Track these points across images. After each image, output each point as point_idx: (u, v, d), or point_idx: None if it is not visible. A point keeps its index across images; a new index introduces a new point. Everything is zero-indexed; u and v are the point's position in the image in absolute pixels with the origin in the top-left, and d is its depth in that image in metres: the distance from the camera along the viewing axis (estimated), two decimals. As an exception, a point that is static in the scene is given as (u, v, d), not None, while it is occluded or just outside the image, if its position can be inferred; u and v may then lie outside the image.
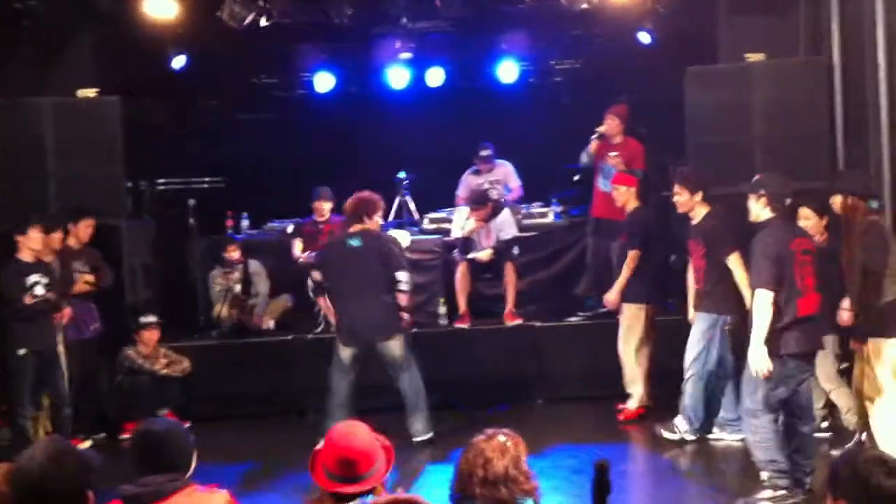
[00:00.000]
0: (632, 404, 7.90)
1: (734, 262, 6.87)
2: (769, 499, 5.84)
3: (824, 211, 6.56)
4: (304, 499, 3.48)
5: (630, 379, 7.91)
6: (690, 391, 7.19)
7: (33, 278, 7.41)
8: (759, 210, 5.99)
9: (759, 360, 5.70)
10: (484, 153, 9.72)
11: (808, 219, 6.53)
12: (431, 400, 7.60)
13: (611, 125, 8.89)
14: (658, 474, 6.96)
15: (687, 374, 7.17)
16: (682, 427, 7.25)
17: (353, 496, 3.24)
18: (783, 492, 5.84)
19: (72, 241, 8.06)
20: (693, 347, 7.14)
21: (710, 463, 7.00)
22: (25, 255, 7.45)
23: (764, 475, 5.91)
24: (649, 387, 7.89)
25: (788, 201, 6.06)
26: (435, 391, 8.41)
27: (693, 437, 7.22)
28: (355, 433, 3.36)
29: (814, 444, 6.15)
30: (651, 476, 6.99)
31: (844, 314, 6.23)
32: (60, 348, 7.67)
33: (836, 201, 6.02)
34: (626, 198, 7.97)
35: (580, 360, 8.61)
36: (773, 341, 5.70)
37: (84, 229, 8.13)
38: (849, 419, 6.75)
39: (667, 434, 7.29)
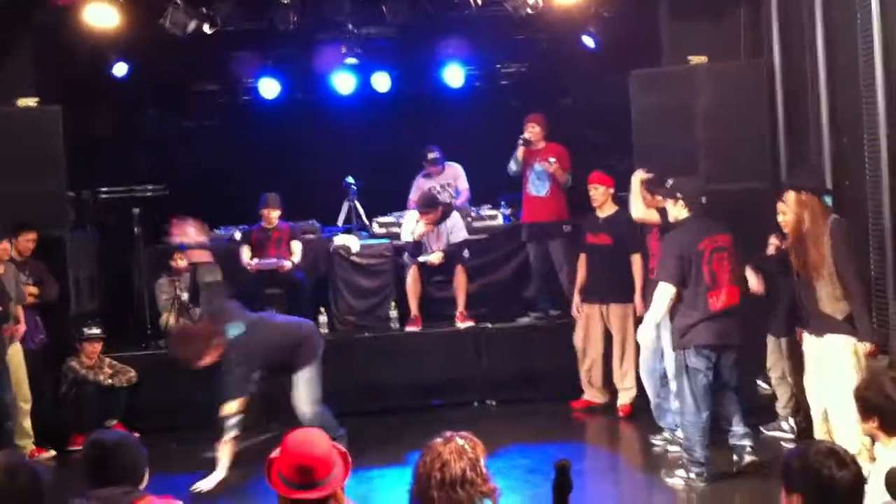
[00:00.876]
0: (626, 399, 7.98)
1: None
2: (683, 478, 6.24)
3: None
4: None
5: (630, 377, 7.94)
6: (651, 387, 7.22)
7: None
8: (676, 212, 6.43)
9: (644, 335, 6.54)
10: (431, 156, 9.75)
11: (785, 213, 6.51)
12: (385, 403, 7.58)
13: (533, 133, 8.95)
14: (616, 472, 7.03)
15: (674, 385, 6.95)
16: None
17: (314, 502, 3.19)
18: (694, 476, 6.19)
19: (13, 254, 7.90)
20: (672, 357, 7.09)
21: (665, 457, 7.01)
22: None
23: (684, 456, 6.32)
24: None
25: (704, 200, 6.43)
26: (388, 394, 8.42)
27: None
28: (312, 440, 3.31)
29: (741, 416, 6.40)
30: (609, 473, 7.03)
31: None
32: (8, 362, 7.53)
33: (790, 198, 6.06)
34: (604, 198, 8.05)
35: (532, 361, 8.65)
36: (686, 335, 6.21)
37: (24, 242, 7.99)
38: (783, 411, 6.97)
39: (658, 441, 7.18)
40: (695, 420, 6.18)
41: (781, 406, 7.08)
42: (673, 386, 6.62)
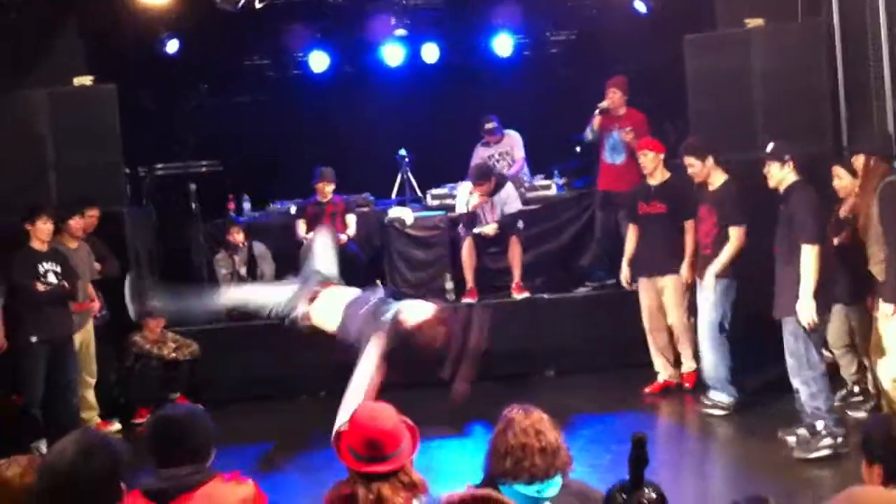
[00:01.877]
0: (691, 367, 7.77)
1: (736, 234, 6.95)
2: (829, 447, 5.97)
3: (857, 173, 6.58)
4: (335, 482, 3.45)
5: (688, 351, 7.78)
6: (715, 360, 7.09)
7: (45, 266, 7.39)
8: (783, 175, 6.15)
9: (809, 312, 5.89)
10: (489, 125, 9.71)
11: (840, 178, 6.55)
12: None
13: (613, 98, 8.84)
14: (678, 442, 7.00)
15: (705, 343, 7.11)
16: (722, 399, 7.09)
17: (384, 475, 3.22)
18: (841, 440, 5.96)
19: (78, 231, 8.02)
20: (708, 315, 7.08)
21: (728, 427, 6.98)
22: (36, 244, 7.44)
23: (820, 425, 6.02)
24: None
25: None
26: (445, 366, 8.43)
27: (732, 409, 7.07)
28: (381, 413, 3.35)
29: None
30: (672, 443, 7.01)
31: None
32: (79, 337, 7.68)
33: (858, 162, 5.97)
34: (654, 164, 7.78)
35: (588, 331, 8.63)
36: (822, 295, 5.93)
37: (89, 219, 8.09)
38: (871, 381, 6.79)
39: (711, 409, 7.12)
40: (824, 384, 6.08)
41: (849, 374, 6.92)
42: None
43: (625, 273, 8.04)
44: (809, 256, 5.91)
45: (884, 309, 5.81)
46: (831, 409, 6.10)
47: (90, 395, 7.92)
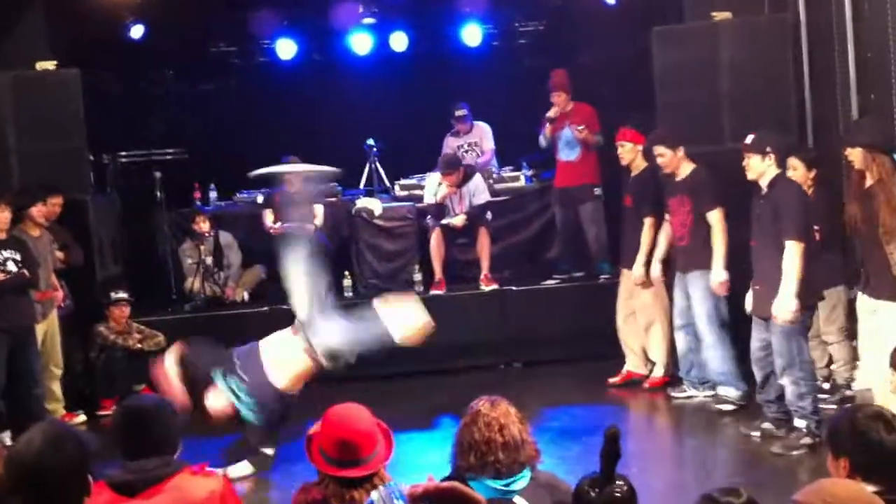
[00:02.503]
0: (658, 372, 7.73)
1: (716, 217, 6.87)
2: (808, 446, 5.96)
3: (812, 164, 6.59)
4: (303, 484, 3.35)
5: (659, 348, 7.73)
6: (722, 354, 6.97)
7: (4, 254, 7.25)
8: (764, 167, 6.00)
9: (789, 311, 5.81)
10: (459, 113, 9.70)
11: (795, 169, 6.47)
12: (410, 366, 7.57)
13: (559, 100, 8.83)
14: (645, 433, 7.05)
15: (710, 337, 6.98)
16: (731, 393, 6.97)
17: (358, 480, 3.09)
18: (818, 439, 5.89)
19: (39, 218, 7.90)
20: (701, 307, 6.97)
21: (696, 420, 7.03)
22: None
23: (801, 423, 6.00)
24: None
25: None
26: (412, 357, 8.41)
27: (746, 401, 6.88)
28: (355, 415, 3.21)
29: None
30: (641, 435, 7.04)
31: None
32: (43, 327, 7.58)
33: (856, 156, 5.73)
34: (632, 155, 7.67)
35: (556, 323, 8.64)
36: (807, 293, 5.87)
37: (52, 207, 7.97)
38: (840, 372, 6.83)
39: (722, 406, 6.97)
40: (813, 385, 6.07)
41: (818, 368, 6.82)
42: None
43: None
44: (793, 253, 5.79)
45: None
46: (816, 411, 6.03)
47: (56, 387, 7.81)
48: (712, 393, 7.17)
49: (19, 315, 7.31)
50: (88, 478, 2.73)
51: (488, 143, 9.86)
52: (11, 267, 7.25)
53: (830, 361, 6.90)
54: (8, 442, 6.75)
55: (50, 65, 8.62)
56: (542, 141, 8.97)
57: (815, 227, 6.21)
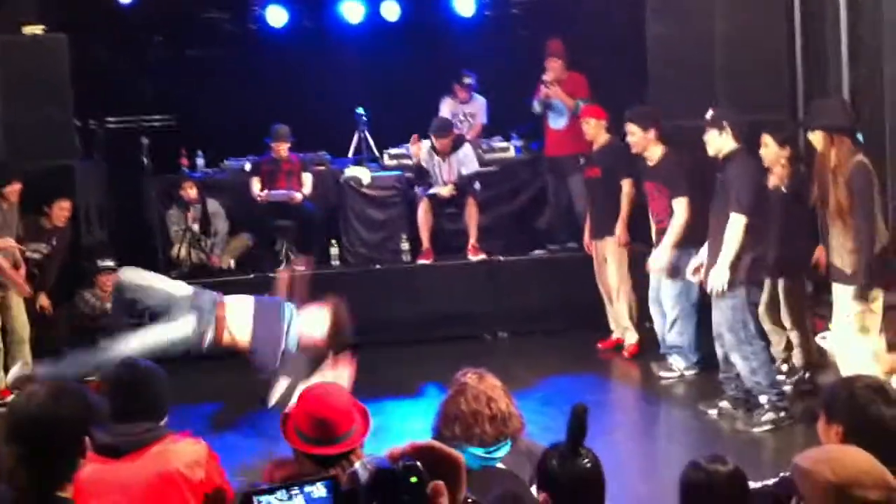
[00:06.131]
0: (632, 339, 7.86)
1: (681, 205, 6.92)
2: (772, 421, 5.99)
3: (785, 142, 6.50)
4: (274, 459, 3.31)
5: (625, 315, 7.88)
6: (681, 329, 7.14)
7: None
8: (722, 142, 6.06)
9: (720, 280, 5.89)
10: (467, 80, 9.68)
11: (766, 146, 6.41)
12: (397, 335, 7.57)
13: (554, 67, 8.82)
14: (631, 403, 7.07)
15: (673, 313, 7.13)
16: (680, 364, 7.19)
17: (333, 458, 3.01)
18: (783, 413, 6.00)
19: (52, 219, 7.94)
20: (671, 284, 7.09)
21: (678, 389, 7.08)
22: None
23: (763, 399, 6.04)
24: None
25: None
26: (400, 327, 8.41)
27: (693, 373, 7.16)
28: (331, 393, 3.18)
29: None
30: (622, 407, 7.08)
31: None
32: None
33: (816, 139, 5.64)
34: (595, 131, 7.84)
35: (544, 293, 8.64)
36: (758, 270, 5.95)
37: (58, 212, 7.95)
38: (797, 355, 6.76)
39: (664, 373, 7.21)
40: (765, 358, 6.11)
41: (777, 351, 6.81)
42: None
43: (585, 238, 8.21)
44: (736, 226, 5.87)
45: (850, 292, 5.48)
46: (773, 383, 6.07)
47: (26, 352, 7.68)
48: (686, 364, 7.23)
49: None
50: (86, 440, 2.68)
51: (482, 118, 9.83)
52: None
53: (789, 344, 6.83)
54: None
55: (37, 29, 8.53)
56: (536, 106, 8.94)
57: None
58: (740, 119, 6.20)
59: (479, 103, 9.86)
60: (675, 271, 7.02)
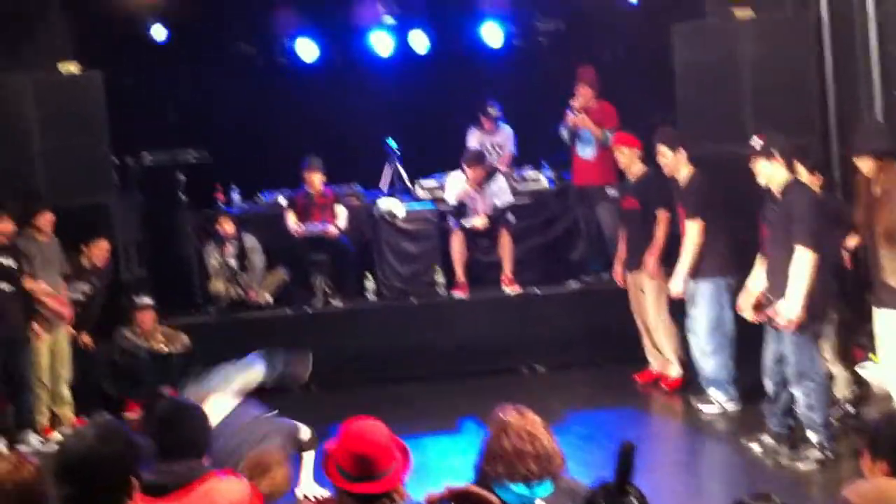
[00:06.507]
0: (674, 372, 7.74)
1: (693, 228, 6.90)
2: (817, 460, 5.89)
3: (814, 168, 6.44)
4: (320, 499, 3.33)
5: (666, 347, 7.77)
6: (720, 362, 7.04)
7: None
8: (773, 171, 5.90)
9: (794, 312, 5.71)
10: (493, 112, 9.72)
11: (799, 175, 6.26)
12: (433, 369, 7.54)
13: (584, 95, 8.83)
14: (671, 437, 7.03)
15: (709, 346, 7.04)
16: (720, 398, 7.07)
17: (374, 496, 3.04)
18: (830, 454, 5.89)
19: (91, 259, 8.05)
20: (705, 316, 7.00)
21: (720, 426, 7.00)
22: None
23: (812, 436, 5.93)
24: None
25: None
26: (436, 360, 8.39)
27: (733, 406, 7.04)
28: (372, 430, 3.18)
29: None
30: (663, 441, 7.03)
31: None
32: (48, 339, 7.60)
33: (864, 164, 5.59)
34: (629, 160, 7.77)
35: (580, 325, 8.59)
36: (821, 302, 5.80)
37: (97, 252, 8.07)
38: (840, 388, 6.61)
39: (705, 407, 7.10)
40: (825, 397, 5.99)
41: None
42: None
43: (617, 270, 8.10)
44: (804, 259, 5.70)
45: None
46: (827, 424, 5.95)
47: (65, 390, 7.80)
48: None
49: (9, 322, 7.30)
50: (133, 480, 2.73)
51: (510, 147, 9.87)
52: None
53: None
54: (3, 450, 6.75)
55: (72, 65, 8.66)
56: (564, 133, 8.94)
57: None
58: (789, 145, 6.04)
59: (507, 133, 9.90)
60: (708, 300, 6.96)
